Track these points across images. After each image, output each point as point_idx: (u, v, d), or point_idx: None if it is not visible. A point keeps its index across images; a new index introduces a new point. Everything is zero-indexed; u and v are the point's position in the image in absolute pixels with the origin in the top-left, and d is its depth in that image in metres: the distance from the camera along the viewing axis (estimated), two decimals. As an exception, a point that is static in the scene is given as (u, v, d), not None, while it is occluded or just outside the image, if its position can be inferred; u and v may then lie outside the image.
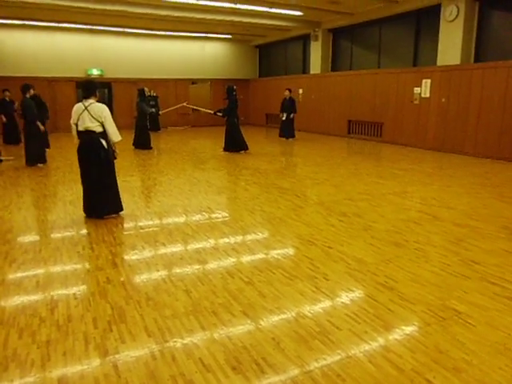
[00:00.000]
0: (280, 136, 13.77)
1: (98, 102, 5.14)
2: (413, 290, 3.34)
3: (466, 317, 2.93)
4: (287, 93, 13.40)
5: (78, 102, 5.24)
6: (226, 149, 11.04)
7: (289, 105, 13.35)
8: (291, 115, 13.41)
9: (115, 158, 5.34)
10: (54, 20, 14.32)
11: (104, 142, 5.10)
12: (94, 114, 4.98)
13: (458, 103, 10.41)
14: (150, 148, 11.74)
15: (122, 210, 5.45)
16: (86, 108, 5.00)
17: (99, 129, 5.05)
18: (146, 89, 12.34)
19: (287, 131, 13.54)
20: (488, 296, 3.24)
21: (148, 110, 11.86)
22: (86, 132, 5.05)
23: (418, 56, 12.20)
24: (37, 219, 5.40)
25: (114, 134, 5.14)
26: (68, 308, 3.09)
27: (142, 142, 11.69)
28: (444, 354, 2.51)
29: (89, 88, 5.09)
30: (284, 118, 13.50)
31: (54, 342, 2.66)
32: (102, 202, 5.25)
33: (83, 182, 5.30)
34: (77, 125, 5.09)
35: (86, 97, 5.08)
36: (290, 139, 13.53)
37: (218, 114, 11.01)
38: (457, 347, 2.58)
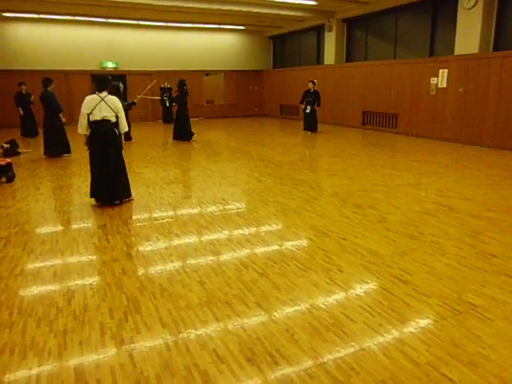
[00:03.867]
0: (304, 129, 13.46)
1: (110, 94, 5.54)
2: (428, 282, 3.31)
3: (483, 310, 2.89)
4: (311, 85, 13.01)
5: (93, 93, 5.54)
6: (175, 137, 11.68)
7: (314, 97, 13.02)
8: (315, 107, 13.08)
9: (122, 148, 5.71)
10: (69, 13, 14.39)
11: (117, 131, 5.51)
12: (111, 105, 5.38)
13: (476, 93, 10.19)
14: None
15: (131, 195, 5.86)
16: (102, 99, 5.35)
17: (114, 119, 5.44)
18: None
19: (312, 124, 13.23)
20: (506, 290, 3.18)
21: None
22: (103, 121, 5.38)
23: (435, 45, 11.94)
24: (54, 210, 5.48)
25: (124, 125, 5.58)
26: (84, 298, 3.13)
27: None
28: (460, 347, 2.49)
29: (103, 82, 5.51)
30: (308, 111, 13.20)
31: (71, 331, 2.71)
32: (120, 187, 5.63)
33: (97, 168, 5.52)
34: (88, 116, 5.34)
35: (101, 90, 5.44)
36: (312, 132, 13.22)
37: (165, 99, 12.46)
38: (473, 341, 2.55)
